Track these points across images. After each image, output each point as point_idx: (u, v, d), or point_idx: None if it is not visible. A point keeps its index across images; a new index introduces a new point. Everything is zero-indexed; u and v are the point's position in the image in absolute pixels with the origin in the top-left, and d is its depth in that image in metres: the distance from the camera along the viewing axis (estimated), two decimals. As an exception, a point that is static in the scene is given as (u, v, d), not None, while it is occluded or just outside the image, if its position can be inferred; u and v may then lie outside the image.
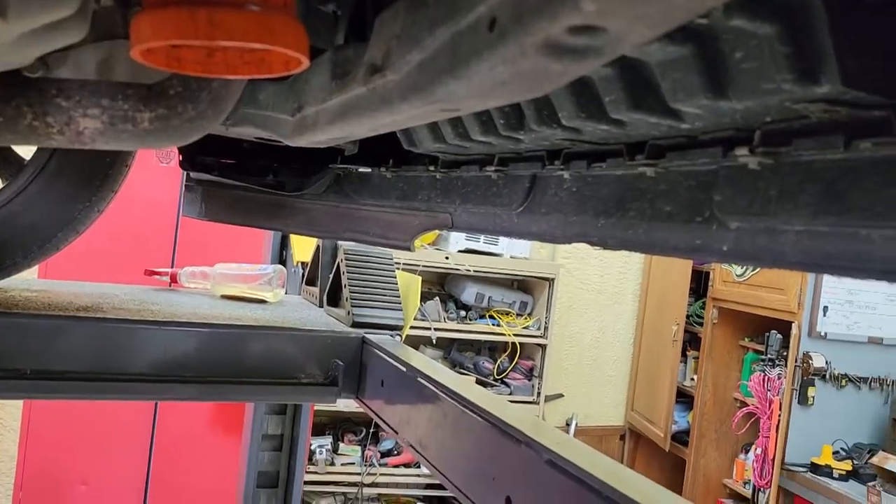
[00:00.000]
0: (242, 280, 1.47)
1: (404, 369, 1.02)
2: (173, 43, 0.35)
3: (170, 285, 1.53)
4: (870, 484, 2.99)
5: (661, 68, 0.43)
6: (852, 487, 3.06)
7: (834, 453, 3.24)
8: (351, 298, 1.31)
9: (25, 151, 1.12)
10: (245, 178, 1.19)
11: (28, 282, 1.30)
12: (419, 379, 0.96)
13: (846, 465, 3.18)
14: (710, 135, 0.52)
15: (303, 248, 1.88)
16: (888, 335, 3.38)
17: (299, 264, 1.76)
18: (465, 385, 0.90)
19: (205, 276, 1.51)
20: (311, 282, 1.57)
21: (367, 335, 1.22)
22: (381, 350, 1.13)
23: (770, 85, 0.38)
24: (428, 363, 1.05)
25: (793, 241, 0.48)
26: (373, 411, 1.10)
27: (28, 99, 0.47)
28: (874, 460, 3.05)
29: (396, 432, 1.00)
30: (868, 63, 0.36)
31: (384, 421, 1.05)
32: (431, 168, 0.90)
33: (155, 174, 2.77)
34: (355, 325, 1.27)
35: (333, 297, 1.41)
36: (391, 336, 1.26)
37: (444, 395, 0.88)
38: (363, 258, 1.41)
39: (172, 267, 1.57)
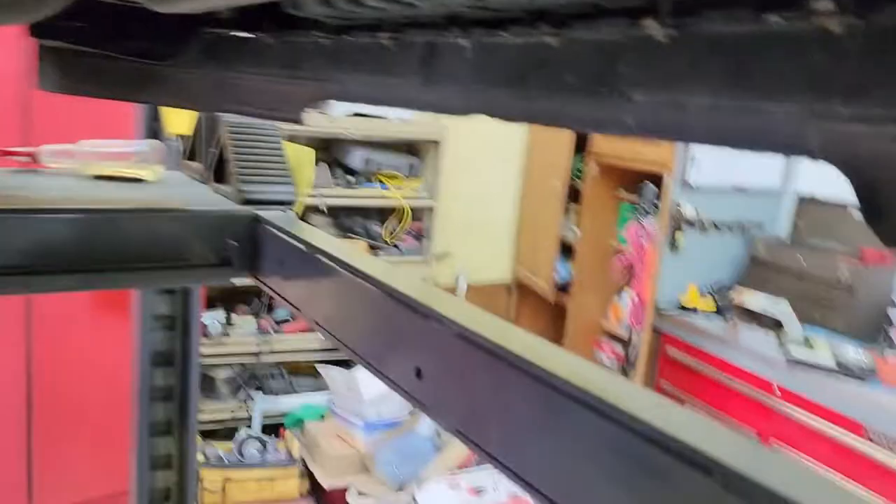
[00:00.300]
0: (115, 157, 1.36)
1: (302, 247, 1.00)
2: None
3: (32, 166, 1.40)
4: (728, 319, 3.31)
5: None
6: (714, 323, 3.39)
7: (699, 294, 3.55)
8: (239, 174, 1.25)
9: None
10: (106, 45, 1.07)
11: None
12: (319, 256, 0.94)
13: (709, 303, 3.50)
14: (616, 3, 0.51)
15: (176, 120, 1.76)
16: (751, 184, 3.64)
17: (177, 138, 1.65)
18: (367, 261, 0.89)
19: (70, 155, 1.39)
20: (191, 157, 1.48)
21: (259, 212, 1.18)
22: (276, 227, 1.10)
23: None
24: (327, 239, 1.03)
25: (698, 115, 0.48)
26: (273, 290, 1.08)
27: None
28: (733, 297, 3.36)
29: (299, 309, 0.99)
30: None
31: (285, 299, 1.04)
32: (318, 33, 0.84)
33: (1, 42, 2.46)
34: (245, 201, 1.22)
35: (219, 173, 1.34)
36: (284, 212, 1.22)
37: (347, 273, 0.87)
38: (248, 130, 1.33)
39: (28, 146, 1.43)
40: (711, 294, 3.57)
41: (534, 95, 0.62)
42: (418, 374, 0.71)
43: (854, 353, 2.87)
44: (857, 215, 3.52)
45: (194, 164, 1.44)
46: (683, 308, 3.50)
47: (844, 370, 2.80)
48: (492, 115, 0.68)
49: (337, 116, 3.57)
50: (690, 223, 3.52)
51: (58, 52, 1.09)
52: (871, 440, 2.66)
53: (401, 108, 0.81)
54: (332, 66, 0.87)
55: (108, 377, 2.91)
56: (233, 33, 0.98)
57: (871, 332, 3.09)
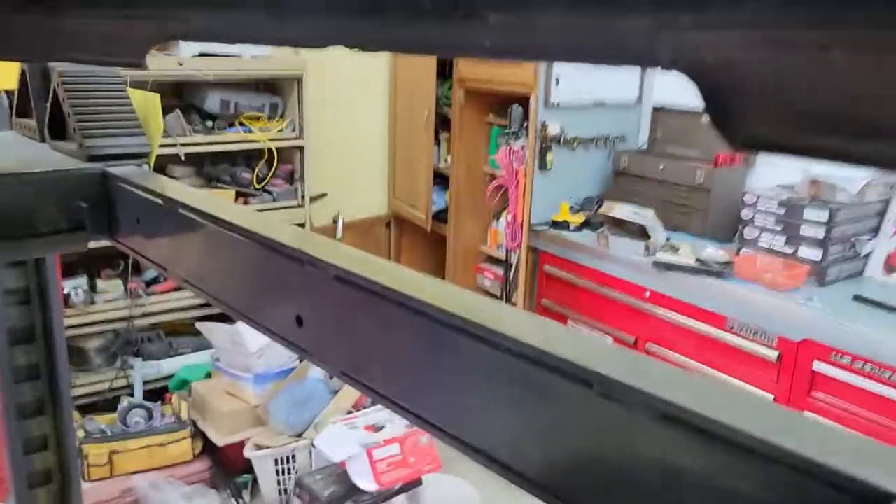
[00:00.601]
0: (-68, 122, 1.22)
1: (160, 202, 0.94)
2: None
3: None
4: (599, 231, 3.47)
5: None
6: (586, 236, 3.53)
7: (570, 209, 3.68)
8: (80, 129, 1.15)
9: None
10: None
11: None
12: (180, 210, 0.89)
13: (580, 218, 3.64)
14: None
15: (2, 72, 1.59)
16: (610, 98, 3.76)
17: (3, 93, 1.49)
18: (233, 210, 0.85)
19: None
20: (23, 114, 1.35)
21: (108, 169, 1.09)
22: (129, 183, 1.03)
23: None
24: (186, 191, 0.97)
25: (551, 34, 0.48)
26: (133, 251, 1.02)
27: None
28: (602, 210, 3.51)
29: (165, 269, 0.94)
30: None
31: (148, 259, 0.98)
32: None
33: None
34: (92, 158, 1.13)
35: (58, 130, 1.23)
36: (138, 165, 1.14)
37: (213, 225, 0.83)
38: (86, 79, 1.22)
39: None
40: (581, 208, 3.72)
41: (390, 23, 0.60)
42: (299, 321, 0.69)
43: (712, 252, 3.09)
44: (708, 121, 3.73)
45: (27, 122, 1.31)
46: (556, 224, 3.63)
47: (705, 268, 3.02)
48: (348, 45, 0.65)
49: (186, 58, 3.35)
50: (557, 141, 3.61)
51: None
52: (731, 330, 2.90)
53: (252, 44, 0.76)
54: (173, 2, 0.81)
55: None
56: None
57: (726, 231, 3.33)
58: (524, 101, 3.60)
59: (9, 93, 1.41)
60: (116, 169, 1.09)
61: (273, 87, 3.84)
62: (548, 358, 0.45)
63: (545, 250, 3.65)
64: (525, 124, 3.63)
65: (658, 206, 3.40)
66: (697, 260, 3.07)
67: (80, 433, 3.00)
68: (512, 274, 3.82)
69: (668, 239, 3.28)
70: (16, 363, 1.60)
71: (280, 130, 3.75)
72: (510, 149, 3.64)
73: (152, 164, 1.16)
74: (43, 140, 1.26)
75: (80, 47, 0.92)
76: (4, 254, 1.29)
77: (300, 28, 0.69)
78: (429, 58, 4.08)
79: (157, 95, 1.24)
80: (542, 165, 3.60)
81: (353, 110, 4.40)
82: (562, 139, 3.63)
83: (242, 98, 3.64)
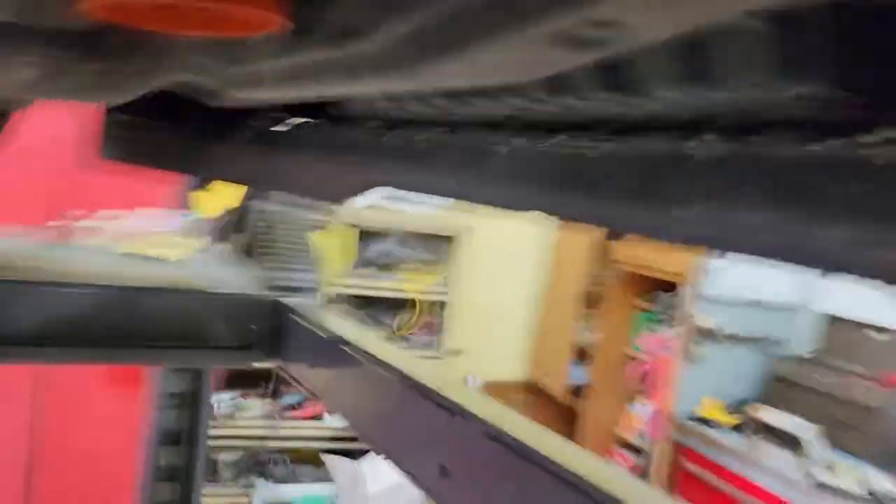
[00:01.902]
0: (150, 232, 1.39)
1: (324, 335, 1.00)
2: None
3: (67, 236, 1.43)
4: (750, 436, 3.23)
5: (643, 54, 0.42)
6: (734, 439, 3.29)
7: (720, 408, 3.47)
8: (266, 259, 1.26)
9: None
10: (166, 121, 1.11)
11: None
12: (341, 346, 0.94)
13: (729, 418, 3.42)
14: (664, 122, 0.52)
15: (214, 201, 1.80)
16: (767, 297, 3.62)
17: (212, 218, 1.68)
18: (392, 352, 0.89)
19: (104, 230, 1.42)
20: (221, 239, 1.50)
21: (282, 299, 1.18)
22: (298, 314, 1.10)
23: (755, 80, 0.38)
24: (350, 328, 1.03)
25: (743, 231, 0.49)
26: (293, 377, 1.07)
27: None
28: (755, 414, 3.28)
29: (320, 398, 0.98)
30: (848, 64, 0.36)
31: (306, 387, 1.03)
32: (370, 125, 0.86)
33: (54, 107, 2.56)
34: (270, 287, 1.23)
35: (247, 256, 1.35)
36: (308, 299, 1.23)
37: (370, 364, 0.87)
38: (277, 217, 1.36)
39: (67, 216, 1.46)
40: (730, 409, 3.50)
41: (581, 196, 0.63)
42: (443, 471, 0.69)
43: (882, 482, 2.77)
44: (880, 336, 3.48)
45: (226, 246, 1.46)
46: (701, 420, 3.42)
47: (875, 500, 2.69)
48: (544, 212, 0.68)
49: (359, 207, 3.63)
50: (708, 335, 3.48)
51: (122, 124, 1.13)
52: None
53: (445, 197, 0.83)
54: (380, 156, 0.90)
55: (113, 452, 2.85)
56: (287, 118, 1.02)
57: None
58: (676, 289, 3.55)
59: (218, 218, 1.58)
60: (290, 300, 1.18)
61: (431, 243, 4.04)
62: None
63: (686, 445, 3.43)
64: (674, 312, 3.55)
65: (816, 420, 3.13)
66: (868, 489, 2.75)
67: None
68: (646, 463, 3.60)
69: (827, 458, 2.99)
70: (159, 463, 1.69)
71: (430, 284, 3.89)
72: (656, 335, 3.55)
73: (321, 298, 1.25)
74: (232, 265, 1.39)
75: (294, 183, 1.03)
76: (180, 360, 1.40)
77: (495, 192, 0.74)
78: (589, 233, 4.16)
79: (357, 231, 1.35)
80: (690, 357, 3.47)
81: (504, 274, 4.51)
82: (714, 334, 3.50)
83: (401, 249, 3.85)
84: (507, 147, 0.70)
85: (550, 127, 0.62)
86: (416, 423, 0.77)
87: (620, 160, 0.58)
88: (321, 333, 1.02)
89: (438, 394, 0.73)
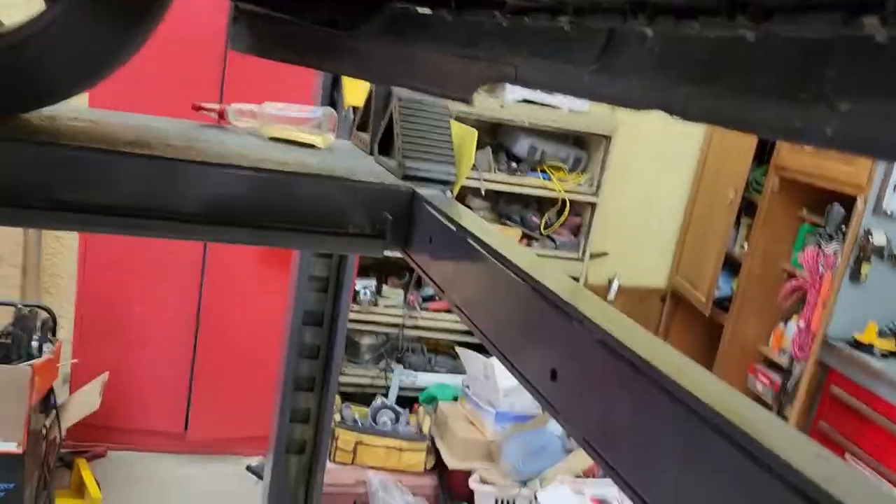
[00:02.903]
0: (292, 122, 1.43)
1: (454, 228, 0.99)
2: None
3: (218, 121, 1.50)
4: (911, 364, 2.98)
5: None
6: (892, 366, 3.05)
7: (879, 332, 3.21)
8: (403, 149, 1.26)
9: (67, -28, 1.05)
10: (296, 12, 1.11)
11: (76, 110, 1.28)
12: (468, 240, 0.93)
13: (889, 344, 3.16)
14: (831, -5, 0.44)
15: (355, 91, 1.81)
16: (959, 217, 3.23)
17: (350, 108, 1.70)
18: (518, 252, 0.87)
19: (253, 115, 1.47)
20: (362, 128, 1.52)
21: (417, 189, 1.19)
22: (431, 206, 1.10)
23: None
24: (479, 223, 1.01)
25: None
26: (419, 267, 1.09)
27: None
28: (919, 341, 3.01)
29: (442, 290, 0.99)
30: None
31: (430, 277, 1.04)
32: (497, 13, 0.81)
33: (202, 3, 2.67)
34: (406, 177, 1.23)
35: (385, 146, 1.36)
36: (442, 191, 1.22)
37: (494, 260, 0.85)
38: (417, 107, 1.34)
39: (220, 103, 1.53)
40: (893, 333, 3.22)
41: (722, 95, 0.57)
42: (553, 375, 0.68)
43: None
44: None
45: (363, 135, 1.48)
46: (858, 345, 3.18)
47: None
48: (671, 112, 0.63)
49: (509, 102, 3.56)
50: (880, 254, 3.18)
51: (249, 15, 1.15)
52: None
53: (574, 96, 0.78)
54: (507, 48, 0.85)
55: (265, 330, 3.11)
56: (415, 8, 0.99)
57: None
58: (848, 202, 3.24)
59: (355, 109, 1.60)
60: (424, 190, 1.18)
61: (581, 142, 3.91)
62: (822, 497, 0.38)
63: (837, 369, 3.23)
64: (844, 227, 3.26)
65: None
66: None
67: (336, 417, 3.29)
68: (790, 384, 3.43)
69: None
70: (303, 341, 1.81)
71: (578, 184, 3.80)
72: (820, 250, 3.29)
73: (455, 192, 1.24)
74: (371, 153, 1.41)
75: (421, 77, 1.02)
76: (318, 245, 1.46)
77: (624, 87, 0.68)
78: (747, 136, 3.86)
79: (475, 132, 1.32)
80: (855, 276, 3.20)
81: (654, 178, 4.32)
82: (885, 253, 3.19)
83: (550, 147, 3.76)
84: (646, 33, 0.63)
85: (688, 11, 0.55)
86: (530, 324, 0.76)
87: (783, 45, 0.51)
88: (448, 224, 1.01)
89: (558, 296, 0.71)
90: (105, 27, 1.03)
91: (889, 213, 3.14)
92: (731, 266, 4.13)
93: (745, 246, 4.03)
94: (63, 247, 3.41)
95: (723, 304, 4.11)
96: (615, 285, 4.25)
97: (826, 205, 3.37)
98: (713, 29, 0.55)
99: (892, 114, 0.43)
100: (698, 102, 0.58)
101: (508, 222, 3.88)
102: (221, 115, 1.49)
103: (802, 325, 3.34)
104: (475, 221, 1.01)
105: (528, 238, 3.87)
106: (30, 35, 1.02)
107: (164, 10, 1.09)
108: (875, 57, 0.42)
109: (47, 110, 1.16)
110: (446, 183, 1.25)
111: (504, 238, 0.94)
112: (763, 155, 3.94)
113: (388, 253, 1.20)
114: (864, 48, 0.43)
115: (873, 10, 0.40)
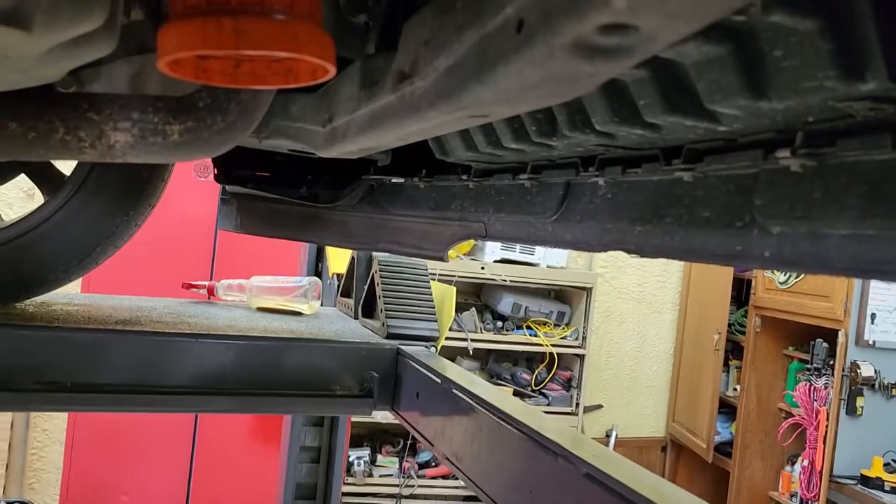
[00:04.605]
0: (278, 292, 1.48)
1: (439, 381, 1.01)
2: (200, 53, 0.35)
3: (207, 298, 1.54)
4: (924, 498, 2.89)
5: (697, 69, 0.42)
6: (905, 501, 2.96)
7: (885, 465, 3.14)
8: (385, 310, 1.31)
9: (66, 167, 1.14)
10: (279, 191, 1.19)
11: (70, 296, 1.32)
12: (454, 390, 0.95)
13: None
14: (749, 137, 0.50)
15: (338, 259, 1.88)
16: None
17: (335, 276, 1.77)
18: (500, 397, 0.89)
19: (241, 289, 1.52)
20: (346, 293, 1.57)
21: (401, 346, 1.21)
22: (416, 361, 1.13)
23: (812, 83, 0.37)
24: (463, 374, 1.04)
25: (838, 245, 0.46)
26: (408, 423, 1.09)
27: (61, 114, 0.47)
28: (928, 473, 2.94)
29: (432, 444, 0.99)
30: (917, 57, 0.34)
31: (419, 433, 1.04)
32: (464, 177, 0.89)
33: (192, 188, 2.82)
34: (390, 336, 1.27)
35: (368, 309, 1.41)
36: (426, 347, 1.25)
37: (479, 407, 0.87)
38: (398, 269, 1.40)
39: (210, 280, 1.59)
40: (899, 468, 3.15)
41: (670, 231, 0.62)
42: (548, 518, 0.68)
43: None
44: None
45: (348, 300, 1.53)
46: (866, 481, 3.10)
47: None
48: (627, 250, 0.68)
49: (488, 262, 3.67)
50: (871, 385, 3.18)
51: (237, 196, 1.23)
52: None
53: (539, 245, 0.84)
54: (476, 207, 0.92)
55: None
56: (388, 179, 1.07)
57: None
58: (829, 335, 3.28)
59: (339, 276, 1.66)
60: (409, 347, 1.21)
61: (563, 296, 3.99)
62: None
63: (850, 509, 3.11)
64: (830, 361, 3.28)
65: None
66: None
67: None
68: (806, 531, 3.29)
69: None
70: (294, 515, 1.75)
71: (563, 337, 3.84)
72: (811, 386, 3.29)
73: (439, 347, 1.27)
74: (356, 317, 1.45)
75: (398, 240, 1.08)
76: (303, 408, 1.46)
77: (583, 232, 0.74)
78: (723, 280, 3.97)
79: (454, 288, 1.38)
80: (851, 410, 3.17)
81: (638, 326, 4.37)
82: (877, 384, 3.19)
83: (533, 303, 3.84)
84: (598, 182, 0.70)
85: (631, 161, 0.62)
86: (535, 478, 0.76)
87: (715, 182, 0.57)
88: (435, 378, 1.04)
89: (561, 447, 0.72)
90: (101, 217, 1.10)
91: (871, 342, 3.17)
92: (727, 409, 4.09)
93: (738, 388, 4.01)
94: (49, 438, 3.34)
95: (724, 448, 4.02)
96: (613, 437, 4.16)
97: (810, 340, 3.41)
98: (655, 173, 0.62)
99: (816, 233, 0.48)
100: (651, 240, 0.63)
101: (499, 381, 3.86)
102: (211, 291, 1.54)
103: (806, 464, 3.26)
104: (460, 374, 1.03)
105: (520, 395, 3.84)
106: (28, 229, 1.09)
107: (157, 197, 1.17)
108: (792, 184, 0.48)
109: (41, 297, 1.21)
110: (429, 339, 1.28)
111: (488, 386, 0.96)
112: (741, 296, 4.03)
113: (377, 414, 1.21)
114: (783, 178, 0.49)
115: (785, 145, 0.46)
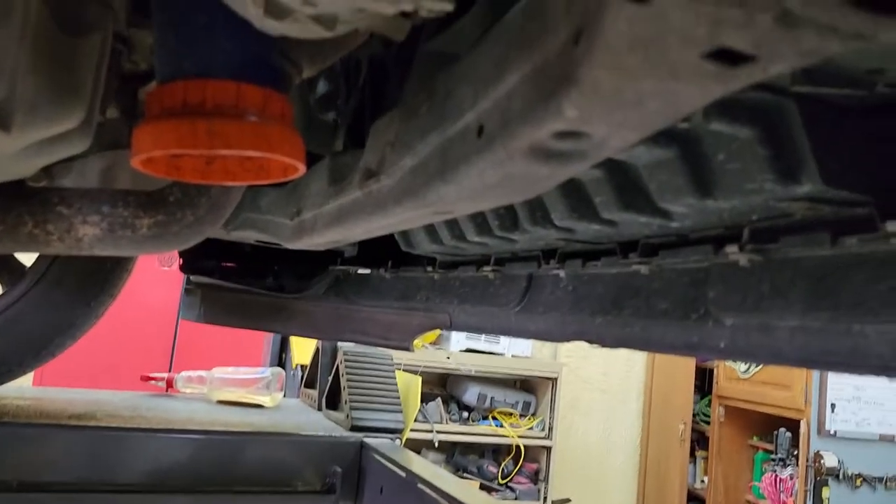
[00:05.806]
0: (239, 384, 1.45)
1: (403, 475, 1.00)
2: (174, 152, 0.36)
3: (166, 390, 1.51)
4: (895, 592, 2.85)
5: (648, 170, 0.44)
6: None
7: (855, 559, 3.10)
8: (350, 401, 1.29)
9: (27, 258, 1.13)
10: (245, 281, 1.19)
11: (21, 389, 1.28)
12: (419, 485, 0.93)
13: (869, 572, 3.04)
14: (700, 233, 0.53)
15: (303, 350, 1.87)
16: (899, 432, 3.30)
17: (298, 367, 1.74)
18: (467, 492, 0.87)
19: (201, 381, 1.49)
20: (310, 384, 1.55)
21: (366, 439, 1.19)
22: (381, 455, 1.11)
23: (753, 185, 0.39)
24: (428, 468, 1.02)
25: (788, 337, 0.48)
26: (371, 520, 1.06)
27: (30, 208, 0.48)
28: (898, 566, 2.91)
29: (396, 542, 0.96)
30: (846, 161, 0.37)
31: (383, 530, 1.01)
32: (429, 269, 0.91)
33: (155, 277, 2.79)
34: (354, 428, 1.25)
35: (332, 400, 1.39)
36: (391, 439, 1.23)
37: (444, 503, 0.85)
38: (363, 359, 1.39)
39: (170, 371, 1.55)
40: (870, 561, 3.11)
41: (629, 322, 0.64)
42: None
43: None
44: None
45: (311, 392, 1.51)
46: (838, 576, 3.05)
47: None
48: (588, 340, 0.70)
49: (454, 352, 3.65)
50: (836, 476, 3.18)
51: (201, 287, 1.23)
52: None
53: (503, 335, 0.85)
54: (441, 298, 0.93)
55: None
56: (355, 270, 1.08)
57: None
58: (793, 425, 3.30)
59: (303, 367, 1.64)
60: (372, 440, 1.19)
61: (528, 386, 3.97)
62: None
63: None
64: (795, 451, 3.29)
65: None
66: None
67: None
68: None
69: None
70: None
71: (530, 428, 3.79)
72: (777, 477, 3.28)
73: (404, 439, 1.25)
74: (320, 408, 1.43)
75: (364, 331, 1.08)
76: (265, 507, 1.41)
77: (545, 323, 0.75)
78: (686, 370, 4.00)
79: (419, 378, 1.37)
80: (817, 501, 3.16)
81: (604, 416, 4.34)
82: (841, 474, 3.19)
83: (498, 393, 3.80)
84: (559, 275, 0.72)
85: (593, 254, 0.64)
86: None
87: (670, 275, 0.59)
88: (400, 473, 1.02)
89: None
90: (61, 309, 1.09)
91: (833, 432, 3.20)
92: (696, 502, 4.03)
93: (705, 480, 3.97)
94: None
95: (695, 544, 3.94)
96: (582, 533, 4.06)
97: (773, 430, 3.42)
98: (614, 266, 0.64)
99: (767, 325, 0.50)
100: (610, 330, 0.65)
101: (466, 474, 3.77)
102: (170, 383, 1.50)
103: (778, 559, 3.21)
104: (425, 467, 1.01)
105: (487, 489, 3.74)
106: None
107: (119, 288, 1.16)
108: (743, 278, 0.50)
109: (-8, 390, 1.17)
110: (395, 431, 1.26)
111: (454, 480, 0.95)
112: (704, 385, 4.06)
113: (339, 510, 1.18)
114: (733, 272, 0.51)
115: (733, 241, 0.49)
